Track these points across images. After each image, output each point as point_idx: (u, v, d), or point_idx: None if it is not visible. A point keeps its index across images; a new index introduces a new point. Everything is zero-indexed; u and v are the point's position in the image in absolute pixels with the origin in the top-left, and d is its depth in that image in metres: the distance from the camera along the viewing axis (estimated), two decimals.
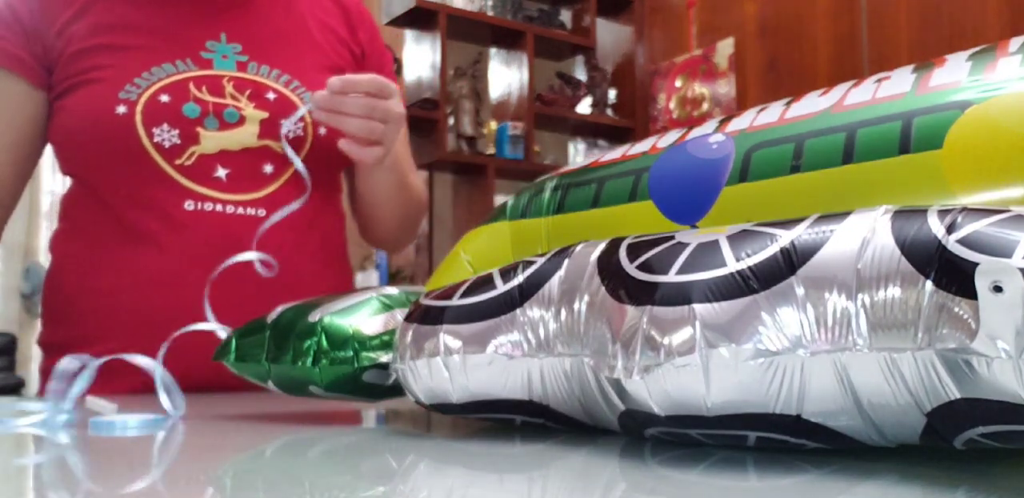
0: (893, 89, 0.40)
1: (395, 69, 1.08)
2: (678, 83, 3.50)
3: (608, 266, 0.40)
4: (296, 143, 0.92)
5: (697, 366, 0.33)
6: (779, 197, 0.42)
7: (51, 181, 5.93)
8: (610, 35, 3.81)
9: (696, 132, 0.49)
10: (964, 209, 0.31)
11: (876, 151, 0.39)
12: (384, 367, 0.51)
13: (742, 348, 0.32)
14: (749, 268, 0.34)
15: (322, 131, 0.94)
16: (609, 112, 3.74)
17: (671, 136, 0.51)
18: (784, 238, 0.34)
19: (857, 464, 0.34)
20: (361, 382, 0.52)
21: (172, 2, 0.92)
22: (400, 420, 0.57)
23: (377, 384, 0.52)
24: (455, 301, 0.45)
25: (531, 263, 0.44)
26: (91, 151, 0.87)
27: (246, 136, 0.90)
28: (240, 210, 0.89)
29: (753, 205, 0.43)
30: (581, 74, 3.77)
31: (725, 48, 3.30)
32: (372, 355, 0.51)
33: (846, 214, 0.34)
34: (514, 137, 3.31)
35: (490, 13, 3.51)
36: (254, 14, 0.95)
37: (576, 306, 0.40)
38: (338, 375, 0.51)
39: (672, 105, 3.52)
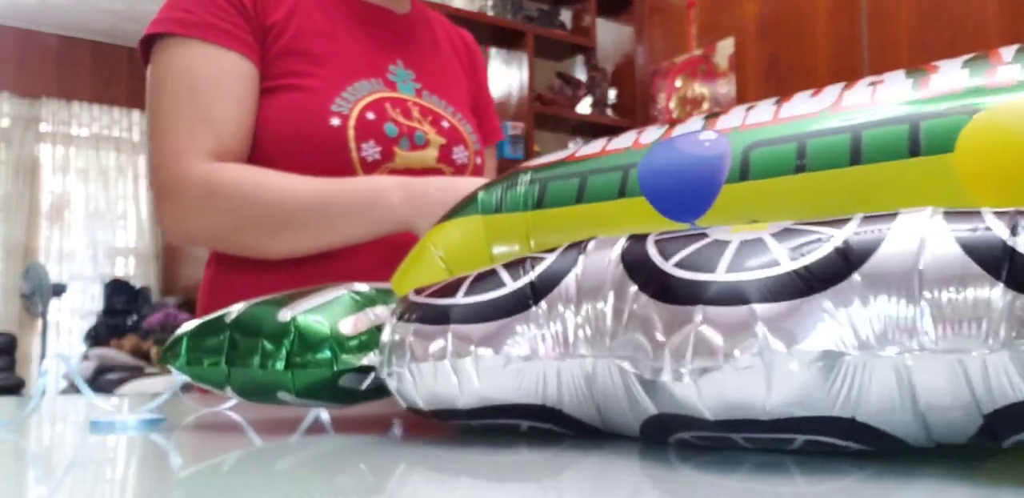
0: (891, 92, 0.40)
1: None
2: (678, 83, 3.50)
3: (639, 264, 0.38)
4: (462, 169, 1.00)
5: (759, 368, 0.32)
6: (784, 196, 0.42)
7: (51, 181, 5.93)
8: (610, 35, 3.81)
9: (681, 129, 0.48)
10: (1020, 212, 0.31)
11: (885, 153, 0.39)
12: (363, 371, 0.48)
13: (807, 350, 0.32)
14: (806, 267, 0.33)
15: (478, 161, 1.03)
16: (609, 112, 3.74)
17: (653, 132, 0.50)
18: (837, 237, 0.34)
19: (898, 466, 0.33)
20: (337, 387, 0.48)
21: (356, 25, 0.98)
22: (379, 426, 0.53)
23: (352, 389, 0.49)
24: (461, 299, 0.43)
25: (539, 259, 0.43)
26: (301, 157, 0.88)
27: (428, 158, 0.96)
28: None
29: (756, 204, 0.42)
30: (581, 74, 3.76)
31: (725, 48, 3.30)
32: (350, 357, 0.47)
33: (892, 214, 0.34)
34: (514, 137, 3.31)
35: (490, 13, 3.51)
36: (418, 47, 1.03)
37: (600, 305, 0.39)
38: (313, 380, 0.47)
39: (672, 105, 3.52)
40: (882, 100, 0.40)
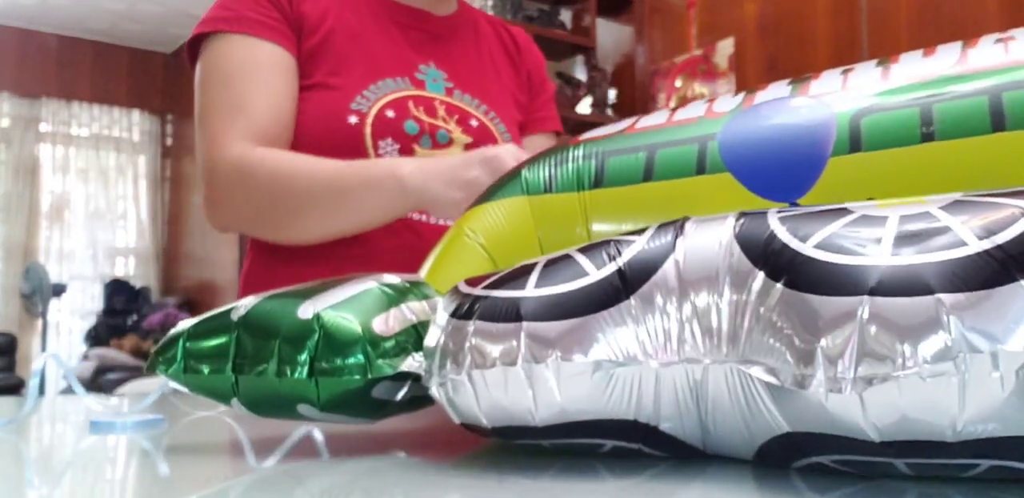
0: None
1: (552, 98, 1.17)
2: (678, 83, 3.49)
3: (763, 247, 0.31)
4: None
5: (952, 377, 0.25)
6: (909, 169, 0.36)
7: (51, 181, 5.93)
8: (610, 35, 3.81)
9: (764, 95, 0.42)
10: None
11: None
12: (399, 378, 0.40)
13: (1016, 352, 0.25)
14: (1000, 247, 0.26)
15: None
16: (609, 112, 3.74)
17: (729, 99, 0.44)
18: None
19: None
20: (368, 398, 0.40)
21: (391, 26, 0.99)
22: (421, 445, 0.46)
23: (385, 400, 0.41)
24: (531, 291, 0.35)
25: (625, 243, 0.35)
26: (321, 155, 0.90)
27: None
28: (440, 221, 0.95)
29: (874, 178, 0.37)
30: (581, 74, 3.76)
31: (725, 48, 3.30)
32: (386, 362, 0.39)
33: None
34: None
35: (490, 13, 3.50)
36: (455, 47, 1.03)
37: (713, 298, 0.32)
38: (343, 390, 0.39)
39: (672, 105, 3.52)
40: (1020, 58, 0.35)
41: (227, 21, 0.90)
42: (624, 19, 3.79)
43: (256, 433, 0.49)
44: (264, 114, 0.88)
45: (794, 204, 0.39)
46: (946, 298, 0.26)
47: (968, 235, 0.27)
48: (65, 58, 5.78)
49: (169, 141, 6.22)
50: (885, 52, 2.84)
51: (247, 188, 0.85)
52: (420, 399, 0.42)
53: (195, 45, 0.93)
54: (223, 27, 0.90)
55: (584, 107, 3.67)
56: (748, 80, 3.21)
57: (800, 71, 3.05)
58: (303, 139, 0.91)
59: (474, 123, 0.98)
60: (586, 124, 3.65)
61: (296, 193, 0.83)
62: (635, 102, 3.71)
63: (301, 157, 0.87)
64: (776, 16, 3.14)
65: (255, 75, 0.89)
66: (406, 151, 0.92)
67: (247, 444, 0.47)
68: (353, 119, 0.90)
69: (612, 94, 3.78)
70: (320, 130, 0.90)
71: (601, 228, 0.45)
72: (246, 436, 0.49)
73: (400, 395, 0.41)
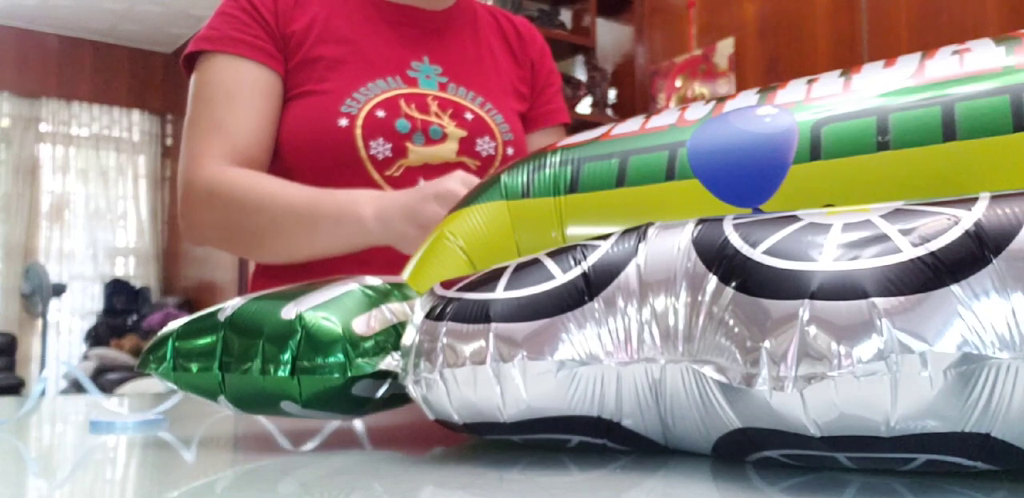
0: (984, 62, 0.36)
1: (560, 89, 1.16)
2: (678, 83, 3.49)
3: (717, 252, 0.33)
4: (488, 161, 0.99)
5: (884, 376, 0.27)
6: (865, 177, 0.37)
7: (51, 181, 5.93)
8: (610, 35, 3.81)
9: (733, 104, 0.43)
10: None
11: (985, 128, 0.34)
12: (378, 376, 0.42)
13: (943, 353, 0.26)
14: (933, 254, 0.28)
15: (510, 151, 1.01)
16: (609, 112, 3.74)
17: (700, 108, 0.45)
18: (965, 219, 0.29)
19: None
20: (348, 396, 0.42)
21: (382, 26, 0.99)
22: (395, 440, 0.47)
23: (365, 398, 0.43)
24: (500, 294, 0.36)
25: (591, 247, 0.37)
26: (313, 159, 0.91)
27: (447, 152, 0.96)
28: None
29: (832, 185, 0.38)
30: (581, 74, 3.76)
31: (725, 48, 3.30)
32: (366, 361, 0.41)
33: None
34: None
35: None
36: (450, 40, 1.03)
37: (671, 301, 0.33)
38: (323, 387, 0.41)
39: (672, 105, 3.52)
40: (977, 71, 0.36)
41: (211, 41, 0.93)
42: (624, 19, 3.79)
43: (267, 426, 0.50)
44: (242, 134, 0.90)
45: (757, 210, 0.40)
46: (880, 302, 0.27)
47: (903, 242, 0.29)
48: (65, 58, 5.79)
49: (169, 141, 6.23)
50: (885, 52, 2.85)
51: (216, 208, 0.87)
52: (400, 397, 0.44)
53: (189, 63, 0.96)
54: (207, 46, 0.92)
55: (584, 107, 3.68)
56: (748, 80, 3.21)
57: (800, 71, 3.05)
58: (294, 144, 0.92)
59: (469, 116, 0.98)
60: (586, 124, 3.65)
61: (262, 219, 0.85)
62: (635, 102, 3.71)
63: (272, 181, 0.87)
64: (776, 16, 3.14)
65: (236, 96, 0.91)
66: (399, 149, 0.92)
67: (275, 430, 0.49)
68: (343, 121, 0.90)
69: (612, 94, 3.78)
70: (310, 134, 0.91)
71: (575, 232, 0.46)
72: (275, 426, 0.51)
73: (380, 393, 0.43)
